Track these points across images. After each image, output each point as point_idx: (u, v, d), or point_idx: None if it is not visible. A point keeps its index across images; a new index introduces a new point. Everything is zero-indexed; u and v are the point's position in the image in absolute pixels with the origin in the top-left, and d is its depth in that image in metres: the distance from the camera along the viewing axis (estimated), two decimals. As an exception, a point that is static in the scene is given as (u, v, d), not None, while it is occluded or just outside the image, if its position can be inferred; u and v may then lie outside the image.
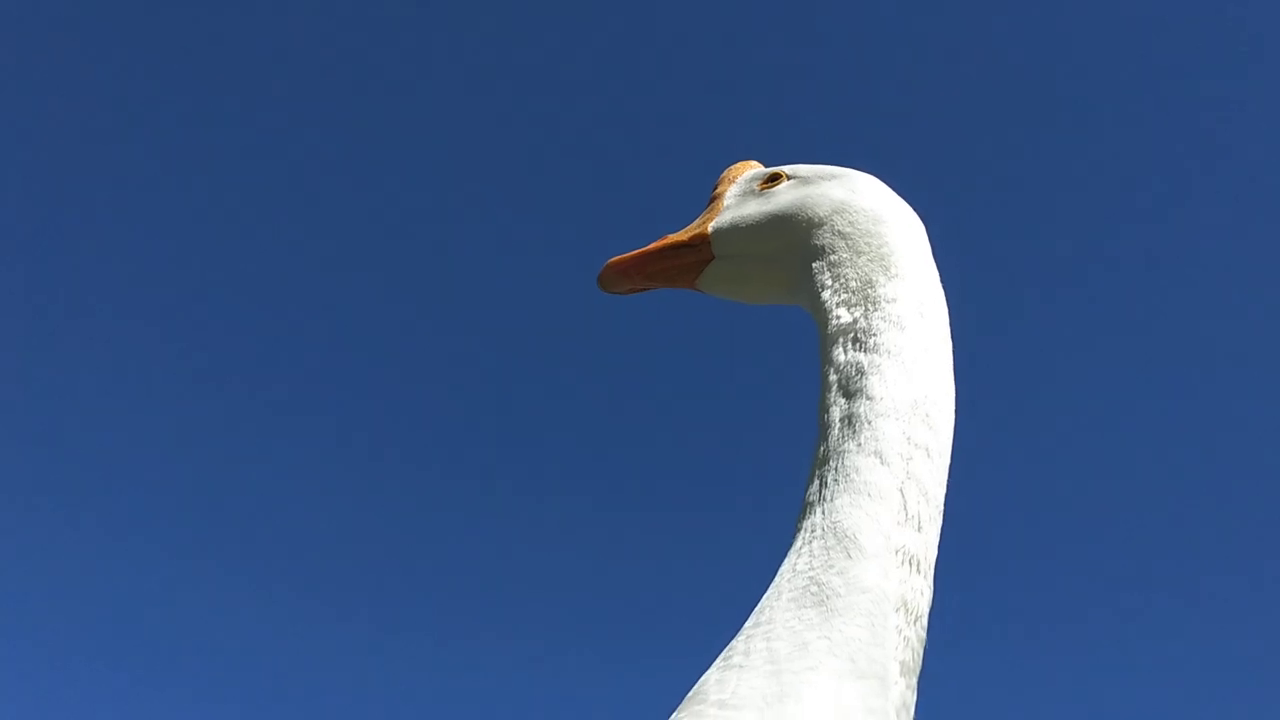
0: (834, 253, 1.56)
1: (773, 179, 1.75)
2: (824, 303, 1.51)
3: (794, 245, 1.64)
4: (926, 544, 1.23)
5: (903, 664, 1.14)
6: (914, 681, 1.16)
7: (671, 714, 1.11)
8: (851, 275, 1.52)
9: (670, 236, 1.84)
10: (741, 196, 1.78)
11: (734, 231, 1.74)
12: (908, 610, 1.17)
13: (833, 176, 1.69)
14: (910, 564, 1.19)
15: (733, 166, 1.87)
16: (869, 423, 1.30)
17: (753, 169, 1.84)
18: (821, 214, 1.61)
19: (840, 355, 1.43)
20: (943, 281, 1.55)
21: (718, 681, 1.13)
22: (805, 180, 1.71)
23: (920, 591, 1.19)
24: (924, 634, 1.19)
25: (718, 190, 1.84)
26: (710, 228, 1.77)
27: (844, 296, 1.50)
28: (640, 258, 1.85)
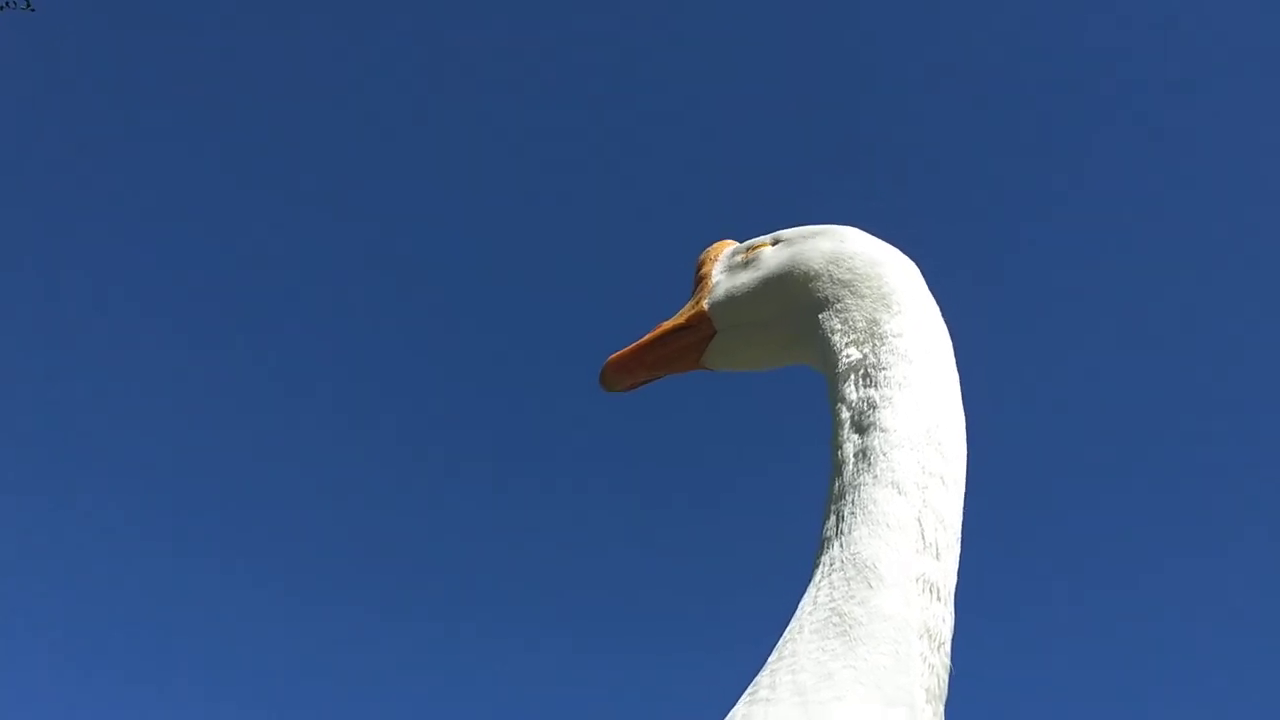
0: (838, 301, 1.59)
1: (755, 249, 1.79)
2: (833, 345, 1.54)
3: (793, 303, 1.67)
4: (946, 571, 1.24)
5: (928, 691, 1.14)
6: (940, 709, 1.16)
7: None
8: (858, 316, 1.55)
9: (665, 324, 1.87)
10: (729, 271, 1.81)
11: (731, 302, 1.77)
12: (931, 637, 1.17)
13: (817, 233, 1.73)
14: (931, 591, 1.21)
15: (711, 247, 1.91)
16: (884, 454, 1.32)
17: (732, 245, 1.88)
18: (816, 267, 1.65)
19: (851, 392, 1.45)
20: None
21: (744, 717, 1.13)
22: (790, 241, 1.75)
23: (942, 618, 1.20)
24: (948, 661, 1.19)
25: (703, 271, 1.87)
26: (706, 304, 1.81)
27: (852, 336, 1.53)
28: (640, 349, 1.88)
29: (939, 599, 1.21)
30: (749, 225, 1.86)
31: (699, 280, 1.87)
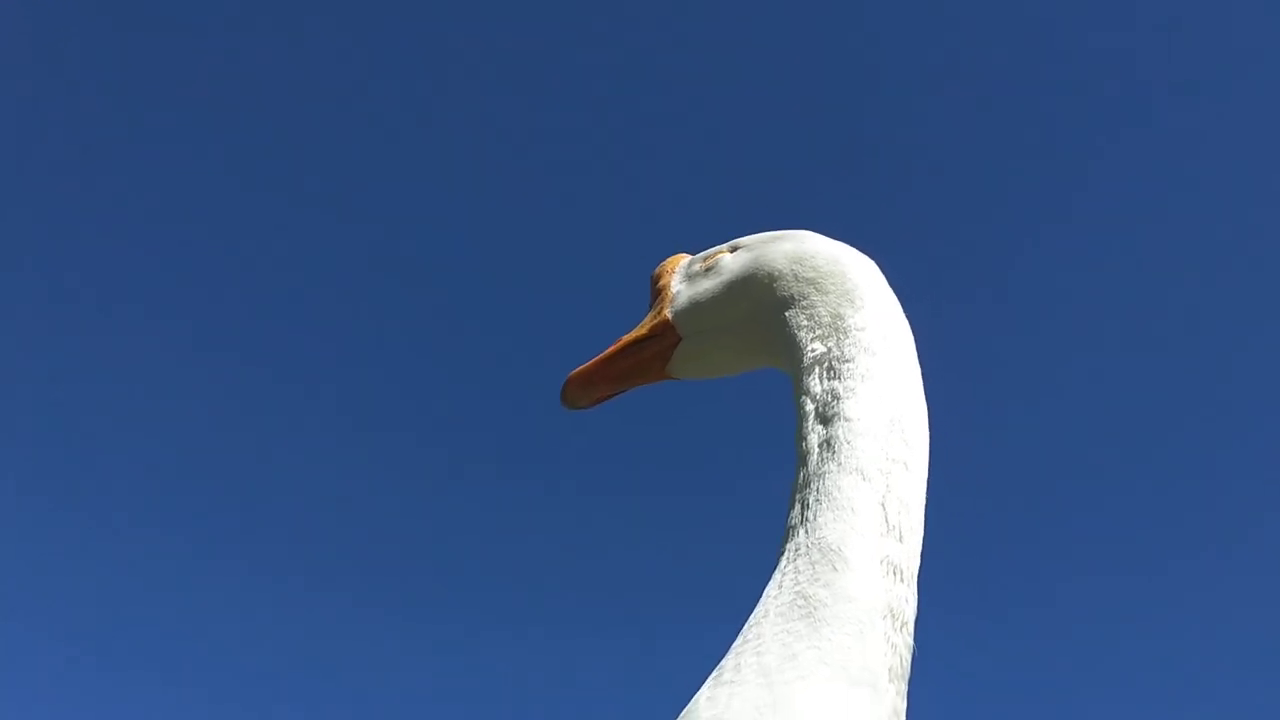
0: (803, 298, 1.62)
1: (713, 257, 1.81)
2: (799, 341, 1.57)
3: (758, 304, 1.69)
4: (909, 554, 1.26)
5: (891, 670, 1.15)
6: (904, 688, 1.18)
7: None
8: (823, 312, 1.58)
9: (626, 336, 1.87)
10: (689, 280, 1.83)
11: (695, 308, 1.79)
12: (894, 617, 1.19)
13: (776, 237, 1.76)
14: (895, 573, 1.22)
15: (666, 261, 1.92)
16: (848, 443, 1.35)
17: (687, 257, 1.90)
18: (779, 268, 1.67)
19: (816, 384, 1.48)
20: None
21: (709, 699, 1.13)
22: (750, 246, 1.77)
23: (905, 599, 1.22)
24: (911, 641, 1.21)
25: (661, 283, 1.88)
26: (669, 313, 1.82)
27: (818, 332, 1.56)
28: (603, 362, 1.87)
29: (902, 580, 1.23)
30: (737, 233, 1.86)
31: (657, 293, 1.88)
